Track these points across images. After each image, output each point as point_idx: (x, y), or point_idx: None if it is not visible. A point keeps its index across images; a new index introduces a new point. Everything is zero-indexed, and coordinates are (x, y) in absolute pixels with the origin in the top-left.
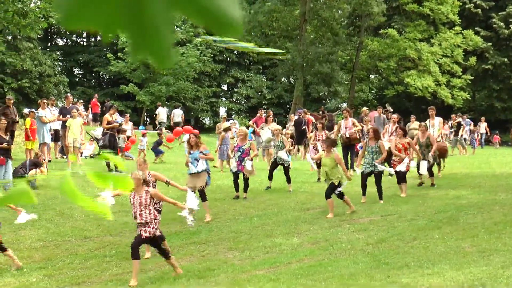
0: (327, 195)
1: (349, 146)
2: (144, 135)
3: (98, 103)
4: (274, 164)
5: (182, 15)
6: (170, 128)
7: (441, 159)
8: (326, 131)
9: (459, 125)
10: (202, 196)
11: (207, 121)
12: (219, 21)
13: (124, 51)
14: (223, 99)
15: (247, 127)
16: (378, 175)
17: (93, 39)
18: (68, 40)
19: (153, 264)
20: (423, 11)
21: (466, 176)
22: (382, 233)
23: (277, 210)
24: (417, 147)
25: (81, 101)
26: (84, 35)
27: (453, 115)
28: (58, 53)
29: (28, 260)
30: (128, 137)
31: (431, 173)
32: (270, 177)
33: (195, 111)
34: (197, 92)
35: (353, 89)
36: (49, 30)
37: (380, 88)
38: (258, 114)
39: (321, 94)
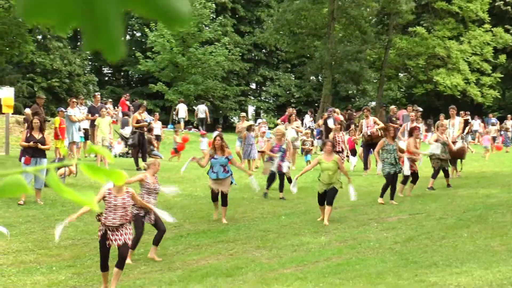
0: (331, 203)
1: (371, 144)
2: (203, 135)
3: (127, 102)
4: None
5: (131, 8)
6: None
7: (460, 160)
8: (343, 132)
9: (466, 123)
10: (224, 200)
11: (235, 120)
12: (167, 14)
13: (153, 49)
14: (252, 97)
15: (276, 125)
16: (396, 176)
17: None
18: None
19: (180, 263)
20: (452, 9)
21: (495, 175)
22: (410, 231)
23: (305, 208)
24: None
25: (110, 100)
26: None
27: (462, 112)
28: (87, 52)
29: (57, 258)
30: (157, 136)
31: (446, 174)
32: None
33: (224, 110)
34: (226, 90)
35: (381, 88)
36: (78, 29)
37: (409, 86)
38: (286, 113)
39: (349, 92)
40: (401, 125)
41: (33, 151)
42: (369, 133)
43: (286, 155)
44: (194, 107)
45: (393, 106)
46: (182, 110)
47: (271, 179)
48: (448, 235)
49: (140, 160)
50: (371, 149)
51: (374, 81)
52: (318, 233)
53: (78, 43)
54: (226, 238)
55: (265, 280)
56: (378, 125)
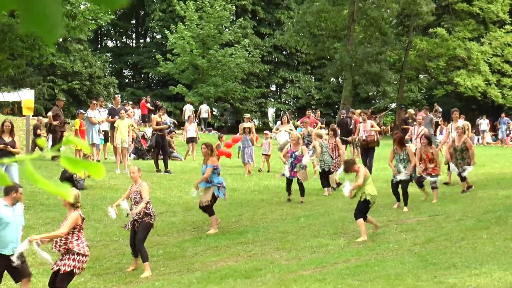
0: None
1: (368, 149)
2: (267, 137)
3: (147, 104)
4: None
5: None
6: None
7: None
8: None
9: (436, 124)
10: (208, 211)
11: (255, 121)
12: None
13: (173, 52)
14: (272, 99)
15: (296, 127)
16: (406, 182)
17: (142, 41)
18: (118, 42)
19: (199, 264)
20: (472, 10)
21: None
22: (430, 233)
23: (324, 210)
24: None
25: (131, 102)
26: (133, 36)
27: (431, 113)
28: (108, 54)
29: None
30: (193, 138)
31: (463, 178)
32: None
33: (244, 111)
34: (246, 92)
35: (402, 89)
36: (98, 32)
37: (429, 88)
38: (306, 114)
39: (370, 94)
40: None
41: (2, 154)
42: (364, 138)
43: (301, 161)
44: (214, 109)
45: (410, 110)
46: (189, 110)
47: (288, 186)
48: (467, 237)
49: (160, 162)
50: (368, 154)
51: (394, 82)
52: (337, 234)
53: (99, 46)
54: (245, 239)
55: (283, 281)
56: (375, 129)
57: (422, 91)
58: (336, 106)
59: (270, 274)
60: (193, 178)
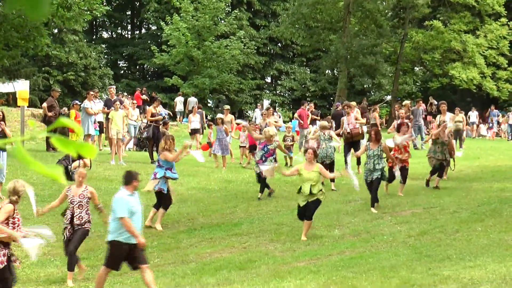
0: (311, 216)
1: (352, 142)
2: (244, 130)
3: (141, 96)
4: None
5: None
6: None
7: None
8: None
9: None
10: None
11: (250, 113)
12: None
13: (168, 43)
14: (267, 91)
15: (290, 120)
16: (377, 181)
17: (137, 32)
18: (113, 33)
19: (194, 256)
20: (468, 2)
21: (510, 169)
22: (424, 225)
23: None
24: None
25: (126, 94)
26: (129, 27)
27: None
28: (103, 45)
29: None
30: (196, 130)
31: (440, 174)
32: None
33: (239, 103)
34: (241, 84)
35: (397, 81)
36: (93, 23)
37: (425, 80)
38: (302, 107)
39: (365, 86)
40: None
41: None
42: (348, 131)
43: (272, 156)
44: (209, 100)
45: (407, 101)
46: (180, 103)
47: (258, 180)
48: (462, 229)
49: (155, 153)
50: (352, 148)
51: (390, 75)
52: (332, 226)
53: (94, 37)
54: (240, 231)
55: (278, 273)
56: (360, 121)
57: (417, 84)
58: (331, 98)
59: (264, 266)
60: (188, 170)
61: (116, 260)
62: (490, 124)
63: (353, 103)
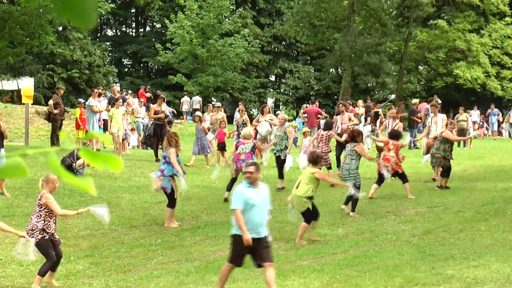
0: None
1: (344, 143)
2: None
3: (146, 94)
4: (280, 161)
5: None
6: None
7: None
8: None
9: (376, 115)
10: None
11: (254, 112)
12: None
13: (172, 41)
14: (271, 90)
15: (294, 118)
16: (357, 188)
17: (141, 30)
18: (117, 31)
19: (198, 254)
20: (473, 1)
21: None
22: (428, 224)
23: (322, 200)
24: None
25: (130, 92)
26: (133, 25)
27: (371, 103)
28: (107, 43)
29: (75, 248)
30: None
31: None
32: (281, 175)
33: (243, 101)
34: (245, 82)
35: (401, 80)
36: (98, 20)
37: (429, 79)
38: (306, 105)
39: (369, 85)
40: (420, 118)
41: None
42: (339, 132)
43: (250, 157)
44: (213, 98)
45: (415, 100)
46: (186, 103)
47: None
48: (466, 228)
49: (160, 151)
50: (344, 149)
51: (394, 73)
52: (336, 225)
53: (98, 34)
54: None
55: (282, 271)
56: (353, 121)
57: (421, 83)
58: (335, 97)
59: None
60: (192, 168)
61: (238, 255)
62: (481, 123)
63: (360, 102)
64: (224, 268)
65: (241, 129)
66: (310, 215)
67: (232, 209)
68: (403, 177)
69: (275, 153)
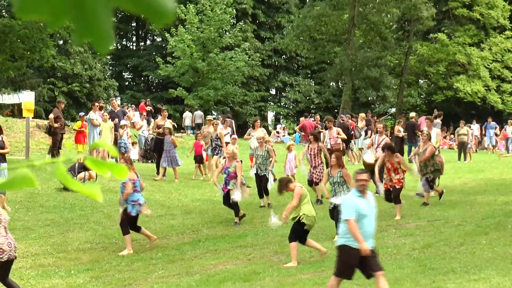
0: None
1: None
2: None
3: (146, 107)
4: (259, 179)
5: (118, 4)
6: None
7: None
8: (319, 144)
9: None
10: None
11: None
12: (153, 10)
13: (173, 55)
14: (271, 103)
15: (294, 132)
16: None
17: (142, 43)
18: (118, 44)
19: (198, 267)
20: (473, 15)
21: None
22: (429, 238)
23: (323, 214)
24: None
25: (132, 105)
26: (134, 39)
27: (361, 114)
28: (108, 57)
29: (75, 261)
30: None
31: (431, 187)
32: (262, 194)
33: (243, 115)
34: (245, 96)
35: (401, 94)
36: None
37: (429, 93)
38: (303, 119)
39: (369, 98)
40: (421, 131)
41: None
42: (328, 147)
43: (235, 178)
44: (214, 112)
45: (413, 113)
46: (188, 118)
47: (225, 203)
48: (466, 242)
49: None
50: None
51: (394, 87)
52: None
53: None
54: (244, 243)
55: (282, 285)
56: (341, 135)
57: (421, 96)
58: (336, 111)
59: (269, 278)
60: (193, 181)
61: (346, 267)
62: (490, 138)
63: (362, 115)
64: (331, 283)
65: (215, 142)
66: (301, 234)
67: (345, 220)
68: (395, 198)
69: (259, 173)
